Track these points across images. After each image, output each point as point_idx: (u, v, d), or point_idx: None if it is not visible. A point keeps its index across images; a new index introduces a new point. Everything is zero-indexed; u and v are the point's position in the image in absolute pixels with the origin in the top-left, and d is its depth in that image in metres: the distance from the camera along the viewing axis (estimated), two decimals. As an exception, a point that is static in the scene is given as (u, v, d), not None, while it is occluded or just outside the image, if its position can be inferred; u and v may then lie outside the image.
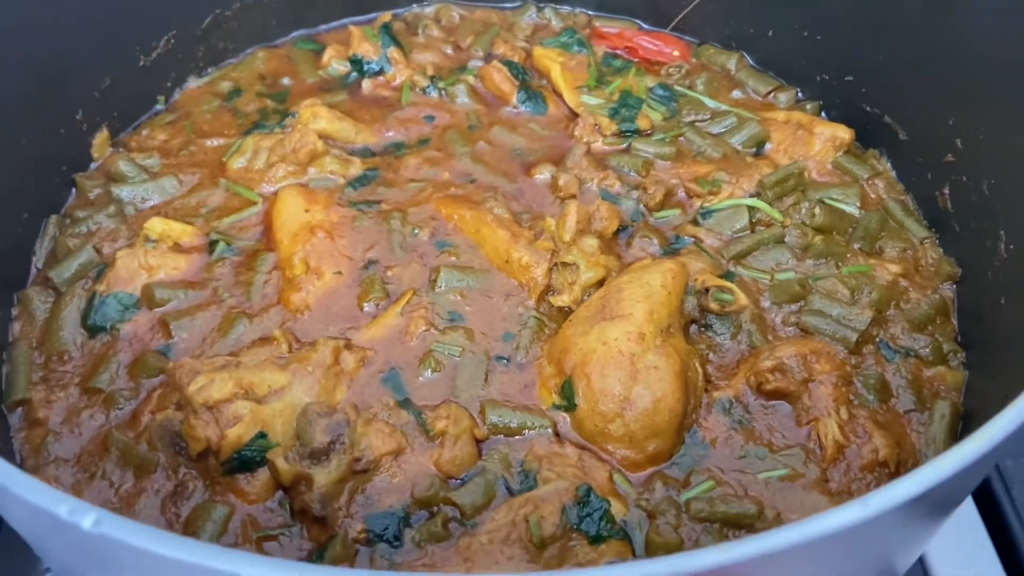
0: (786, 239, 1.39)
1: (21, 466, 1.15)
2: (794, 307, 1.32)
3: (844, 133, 1.52)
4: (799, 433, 1.19)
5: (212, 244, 1.40)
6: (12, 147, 1.32)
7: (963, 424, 1.20)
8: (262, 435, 1.12)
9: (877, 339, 1.28)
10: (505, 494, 1.13)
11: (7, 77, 1.30)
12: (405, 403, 1.21)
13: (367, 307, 1.33)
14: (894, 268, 1.36)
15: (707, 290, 1.29)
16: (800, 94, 1.67)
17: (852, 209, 1.45)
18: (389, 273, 1.37)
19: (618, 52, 1.76)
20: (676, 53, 1.74)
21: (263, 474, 1.13)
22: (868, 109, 1.54)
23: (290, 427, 1.15)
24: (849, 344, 1.26)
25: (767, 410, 1.21)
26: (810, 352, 1.22)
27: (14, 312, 1.31)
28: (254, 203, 1.47)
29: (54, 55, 1.37)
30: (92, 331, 1.29)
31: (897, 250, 1.40)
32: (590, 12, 1.85)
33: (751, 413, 1.21)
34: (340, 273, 1.37)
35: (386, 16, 1.78)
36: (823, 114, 1.63)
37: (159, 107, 1.63)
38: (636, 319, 1.19)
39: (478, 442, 1.18)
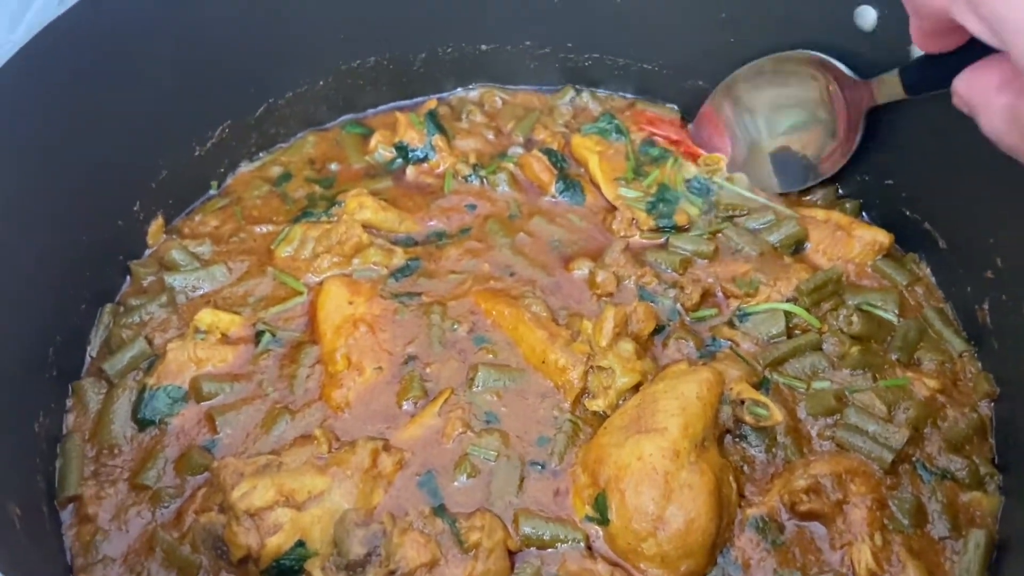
0: (823, 346, 1.39)
1: (71, 564, 1.20)
2: (830, 420, 1.32)
3: (883, 238, 1.52)
4: (833, 557, 1.19)
5: (258, 335, 1.44)
6: (74, 241, 1.38)
7: (997, 554, 1.19)
8: (301, 543, 1.15)
9: (913, 458, 1.28)
10: (537, 612, 1.15)
11: (73, 173, 1.35)
12: (440, 511, 1.23)
13: (405, 405, 1.36)
14: (932, 383, 1.35)
15: (743, 401, 1.30)
16: (840, 191, 1.67)
17: (890, 316, 1.45)
18: (428, 370, 1.40)
19: (657, 138, 1.78)
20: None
21: (300, 582, 1.16)
22: (908, 214, 1.54)
23: (328, 533, 1.18)
24: (884, 464, 1.26)
25: (801, 530, 1.21)
26: (845, 471, 1.23)
27: (68, 403, 1.36)
28: (300, 293, 1.51)
29: (117, 151, 1.43)
30: (142, 424, 1.34)
31: (935, 363, 1.39)
32: (628, 96, 1.88)
33: (784, 533, 1.21)
34: (381, 368, 1.40)
35: (432, 103, 1.83)
36: (863, 214, 1.64)
37: (212, 192, 1.68)
38: (671, 434, 1.21)
39: (511, 553, 1.20)
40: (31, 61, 1.22)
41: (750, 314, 1.45)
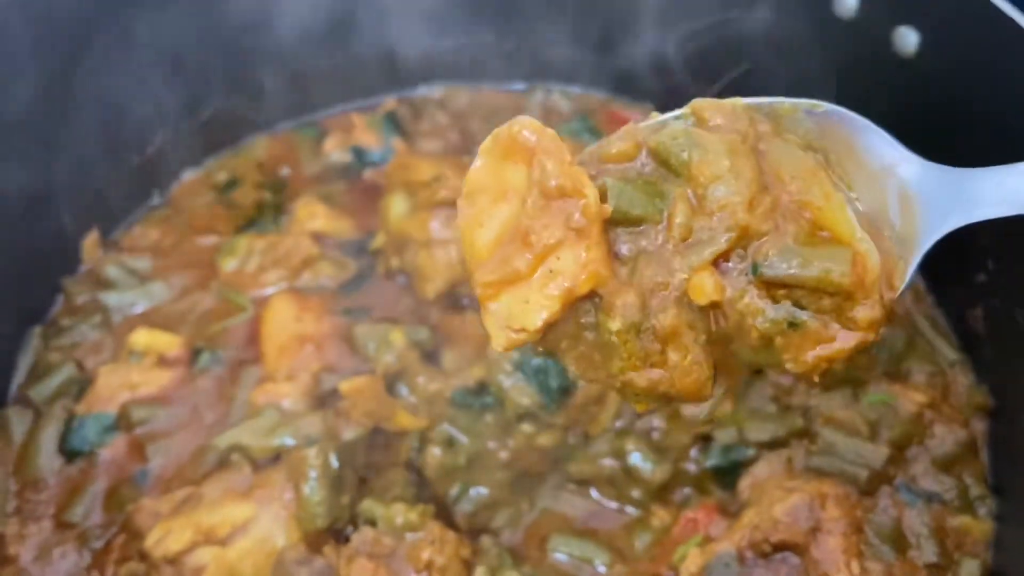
0: (802, 361, 1.29)
1: (-15, 612, 1.11)
2: (804, 441, 1.22)
3: (866, 240, 1.42)
4: (809, 590, 1.09)
5: (196, 353, 1.35)
6: (1, 258, 1.28)
7: (992, 585, 1.10)
8: None
9: (895, 481, 1.18)
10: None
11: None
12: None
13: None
14: (919, 397, 1.25)
15: None
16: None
17: (875, 324, 1.34)
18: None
19: (630, 140, 1.68)
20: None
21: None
22: (894, 212, 1.44)
23: (263, 569, 1.08)
24: (860, 484, 1.16)
25: (772, 564, 1.11)
26: (818, 495, 1.13)
27: (-10, 435, 1.27)
28: (243, 309, 1.42)
29: (48, 160, 1.34)
30: (69, 456, 1.25)
31: (924, 375, 1.29)
32: (602, 95, 1.78)
33: (755, 568, 1.11)
34: (325, 392, 1.31)
35: (390, 104, 1.73)
36: (845, 214, 1.54)
37: (155, 200, 1.58)
38: None
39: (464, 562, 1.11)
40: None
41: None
